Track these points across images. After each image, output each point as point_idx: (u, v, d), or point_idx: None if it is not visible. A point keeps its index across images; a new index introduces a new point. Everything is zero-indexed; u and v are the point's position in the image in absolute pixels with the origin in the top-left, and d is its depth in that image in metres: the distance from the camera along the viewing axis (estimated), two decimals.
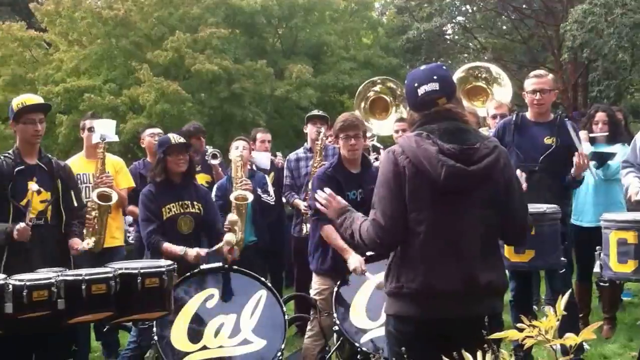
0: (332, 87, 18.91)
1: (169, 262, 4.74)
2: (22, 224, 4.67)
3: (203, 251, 5.36)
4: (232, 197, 6.42)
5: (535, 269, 5.72)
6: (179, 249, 5.29)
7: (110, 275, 4.38)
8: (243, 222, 6.46)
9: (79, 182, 6.26)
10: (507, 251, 4.70)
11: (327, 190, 3.76)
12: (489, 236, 3.35)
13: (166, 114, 15.96)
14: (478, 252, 3.29)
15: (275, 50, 20.07)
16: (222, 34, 17.71)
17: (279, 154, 8.41)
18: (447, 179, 3.19)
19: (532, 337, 2.27)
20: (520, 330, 2.30)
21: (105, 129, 6.44)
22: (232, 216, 5.84)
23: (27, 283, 4.17)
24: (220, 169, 7.34)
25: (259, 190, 6.82)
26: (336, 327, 5.08)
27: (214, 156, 7.31)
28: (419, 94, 3.37)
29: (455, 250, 3.27)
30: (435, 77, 3.37)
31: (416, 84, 3.39)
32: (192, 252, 5.31)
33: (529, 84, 5.72)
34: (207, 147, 7.71)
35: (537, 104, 5.68)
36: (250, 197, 6.43)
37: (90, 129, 6.51)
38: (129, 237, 7.27)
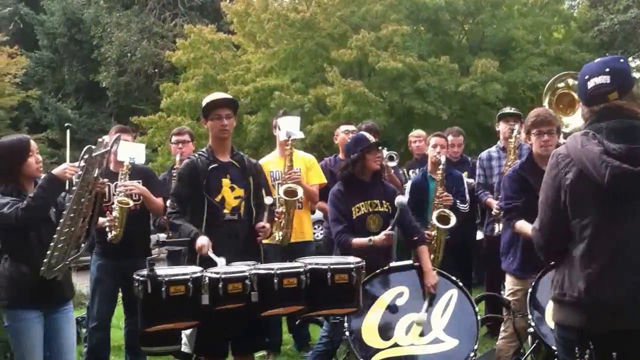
0: (520, 83, 18.30)
1: (358, 259, 4.70)
2: (205, 243, 4.71)
3: (388, 232, 5.23)
4: (434, 217, 6.28)
5: None
6: (365, 240, 5.22)
7: (301, 269, 4.41)
8: (441, 246, 6.35)
9: (271, 178, 6.39)
10: None
11: None
12: None
13: (352, 116, 16.10)
14: None
15: (462, 47, 19.71)
16: (405, 30, 17.63)
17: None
18: (612, 181, 2.95)
19: None
20: None
21: (290, 126, 6.52)
22: (400, 197, 5.59)
23: (223, 276, 4.27)
24: (392, 171, 7.22)
25: (458, 202, 6.64)
26: (531, 329, 4.88)
27: (391, 158, 7.20)
28: (589, 87, 3.17)
29: (622, 257, 3.03)
30: (607, 70, 3.15)
31: (587, 77, 3.19)
32: (379, 236, 5.22)
33: None
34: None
35: None
36: (453, 220, 6.26)
37: (279, 127, 6.62)
38: (314, 233, 7.32)
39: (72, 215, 4.18)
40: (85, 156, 4.13)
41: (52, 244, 4.10)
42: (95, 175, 4.31)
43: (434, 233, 6.26)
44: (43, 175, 4.59)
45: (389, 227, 5.25)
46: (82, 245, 4.52)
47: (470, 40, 20.03)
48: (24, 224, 4.34)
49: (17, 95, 26.36)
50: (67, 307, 4.70)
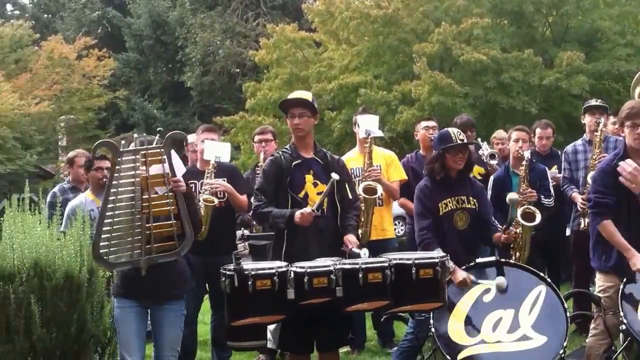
0: (606, 74, 17.78)
1: (442, 253, 4.66)
2: (307, 209, 4.79)
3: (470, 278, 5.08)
4: (519, 213, 6.14)
5: None
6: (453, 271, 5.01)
7: (386, 264, 4.40)
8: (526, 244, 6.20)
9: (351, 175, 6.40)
10: None
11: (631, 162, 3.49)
12: None
13: (438, 107, 15.93)
14: None
15: (545, 39, 19.29)
16: (485, 23, 17.38)
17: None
18: None
19: None
20: None
21: (369, 124, 6.51)
22: (512, 194, 5.53)
23: (308, 270, 4.32)
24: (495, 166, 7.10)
25: (542, 198, 6.49)
26: (623, 327, 4.76)
27: (492, 156, 7.07)
28: None
29: None
30: None
31: None
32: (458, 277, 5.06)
33: None
34: (481, 142, 7.50)
35: None
36: (538, 218, 6.07)
37: (359, 125, 6.62)
38: (395, 229, 7.29)
39: (130, 210, 4.37)
40: (110, 151, 4.28)
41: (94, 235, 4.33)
42: (156, 172, 4.44)
43: (518, 230, 6.13)
44: None
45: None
46: (180, 245, 4.64)
47: (554, 32, 19.56)
48: None
49: (104, 97, 27.15)
50: (173, 305, 4.80)
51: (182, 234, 4.62)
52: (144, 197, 4.41)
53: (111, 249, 4.38)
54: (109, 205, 4.33)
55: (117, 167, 4.31)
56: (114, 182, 4.34)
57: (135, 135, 4.36)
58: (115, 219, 4.37)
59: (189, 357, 6.13)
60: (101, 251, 4.37)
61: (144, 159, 4.37)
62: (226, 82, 28.17)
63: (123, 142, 4.30)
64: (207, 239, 5.90)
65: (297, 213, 4.79)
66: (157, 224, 4.53)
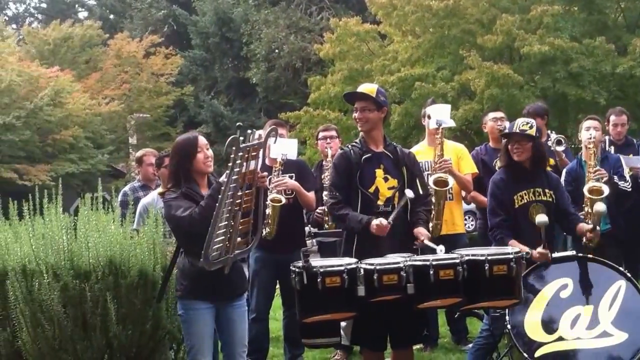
0: None
1: (517, 249, 4.56)
2: (383, 221, 4.67)
3: (544, 251, 4.99)
4: (585, 189, 5.95)
5: None
6: (526, 249, 4.95)
7: (458, 261, 4.34)
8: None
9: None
10: None
11: None
12: None
13: (496, 99, 15.66)
14: None
15: (618, 25, 18.74)
16: (555, 11, 16.97)
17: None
18: None
19: None
20: None
21: (440, 114, 6.39)
22: (599, 205, 5.33)
23: (377, 267, 4.28)
24: (564, 155, 6.91)
25: (615, 178, 6.28)
26: None
27: (559, 142, 6.91)
28: None
29: None
30: None
31: None
32: (536, 252, 5.00)
33: None
34: (550, 131, 7.33)
35: None
36: (606, 191, 5.89)
37: (429, 116, 6.51)
38: (465, 224, 7.17)
39: (228, 208, 4.25)
40: (233, 148, 4.19)
41: (207, 236, 4.19)
42: (251, 168, 4.38)
43: (587, 209, 5.92)
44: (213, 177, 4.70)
45: (542, 245, 5.01)
46: (252, 240, 4.62)
47: (627, 18, 18.98)
48: (196, 230, 4.36)
49: (172, 94, 27.56)
50: (240, 302, 4.79)
51: (254, 229, 4.61)
52: (238, 193, 4.33)
53: (213, 247, 4.29)
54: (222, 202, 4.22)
55: (237, 162, 4.20)
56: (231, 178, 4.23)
57: (249, 131, 4.30)
58: (222, 217, 4.27)
59: (261, 353, 6.17)
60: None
61: (247, 155, 4.28)
62: (291, 77, 28.21)
63: (242, 138, 4.22)
64: (277, 235, 5.91)
65: (374, 224, 4.67)
66: (242, 220, 4.46)
